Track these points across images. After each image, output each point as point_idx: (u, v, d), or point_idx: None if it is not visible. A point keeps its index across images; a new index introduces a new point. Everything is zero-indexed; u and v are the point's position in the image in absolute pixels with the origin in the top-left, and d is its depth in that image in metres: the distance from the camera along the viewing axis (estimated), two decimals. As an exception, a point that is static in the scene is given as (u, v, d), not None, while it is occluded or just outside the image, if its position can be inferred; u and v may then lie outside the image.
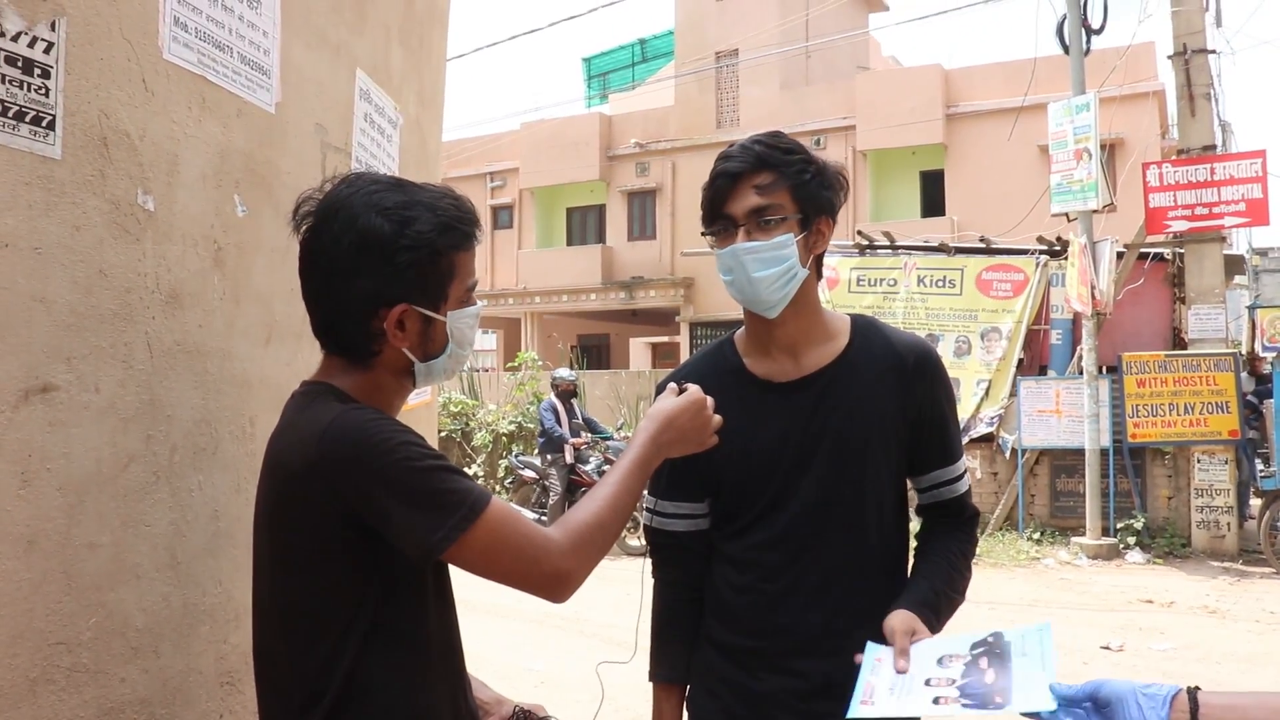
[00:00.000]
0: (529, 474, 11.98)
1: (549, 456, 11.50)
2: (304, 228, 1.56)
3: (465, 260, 1.61)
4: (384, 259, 1.51)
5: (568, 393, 11.94)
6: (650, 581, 2.14)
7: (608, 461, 10.74)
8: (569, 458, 11.41)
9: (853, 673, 1.77)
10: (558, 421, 11.55)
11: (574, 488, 11.29)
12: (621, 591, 2.17)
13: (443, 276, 1.57)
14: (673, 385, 1.81)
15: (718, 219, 1.89)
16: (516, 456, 12.80)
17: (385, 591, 1.51)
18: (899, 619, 1.76)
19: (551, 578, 1.49)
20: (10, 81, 1.49)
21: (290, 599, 1.52)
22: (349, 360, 1.59)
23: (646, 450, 1.70)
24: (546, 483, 11.56)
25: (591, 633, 7.34)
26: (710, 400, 1.78)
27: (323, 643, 1.49)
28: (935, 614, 1.85)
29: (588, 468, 11.28)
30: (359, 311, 1.53)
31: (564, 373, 12.23)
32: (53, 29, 1.56)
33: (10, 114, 1.49)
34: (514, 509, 1.53)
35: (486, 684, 1.86)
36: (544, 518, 10.64)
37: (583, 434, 11.76)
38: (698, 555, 2.07)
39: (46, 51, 1.55)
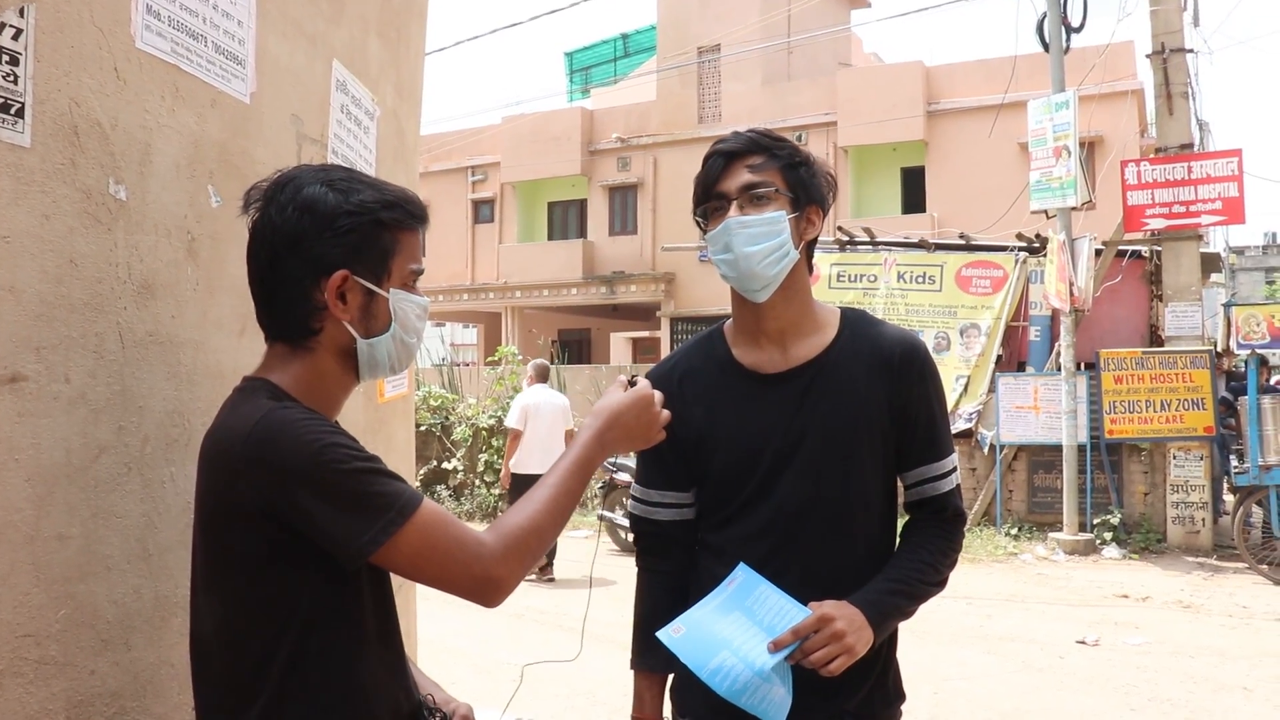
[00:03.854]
0: (624, 476, 10.05)
1: None
2: (253, 207, 1.57)
3: (409, 240, 1.61)
4: (326, 223, 1.52)
5: None
6: (601, 565, 2.14)
7: None
8: None
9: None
10: None
11: None
12: (601, 585, 2.17)
13: (385, 249, 1.57)
14: (621, 378, 1.81)
15: (711, 197, 1.91)
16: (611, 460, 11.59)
17: (319, 587, 1.48)
18: (835, 609, 1.78)
19: (482, 582, 1.47)
20: (-22, 68, 1.48)
21: (226, 598, 1.50)
22: (290, 346, 1.57)
23: (590, 449, 1.67)
24: None
25: (569, 626, 7.34)
26: (659, 395, 1.78)
27: (259, 641, 1.47)
28: (886, 615, 1.85)
29: None
30: (300, 281, 1.53)
31: None
32: (22, 15, 1.54)
33: (-22, 101, 1.47)
34: (446, 512, 1.50)
35: (439, 685, 1.85)
36: None
37: None
38: (682, 545, 2.07)
39: (15, 38, 1.53)
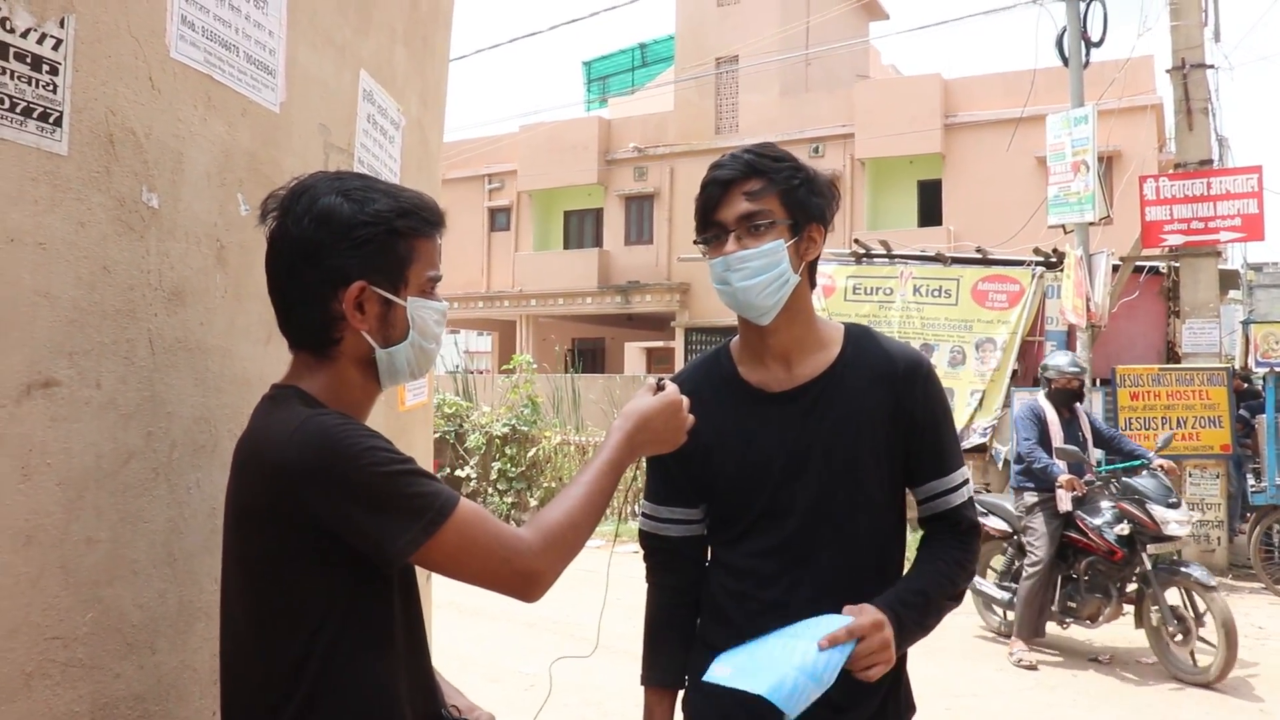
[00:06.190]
0: (996, 524, 7.29)
1: (1029, 498, 6.89)
2: (271, 217, 1.58)
3: (425, 247, 1.62)
4: (342, 234, 1.53)
5: (1068, 393, 7.07)
6: (614, 575, 2.16)
7: (1132, 505, 6.44)
8: (1064, 503, 6.66)
9: (848, 684, 1.78)
10: (1043, 440, 6.90)
11: (1067, 553, 6.80)
12: (613, 595, 2.18)
13: (401, 258, 1.58)
14: (650, 382, 1.82)
15: (709, 226, 1.91)
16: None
17: (352, 592, 1.50)
18: (868, 613, 1.78)
19: (523, 577, 1.49)
20: (19, 78, 1.50)
21: (259, 602, 1.52)
22: (313, 355, 1.59)
23: (621, 451, 1.70)
24: (1025, 540, 6.90)
25: (582, 636, 7.34)
26: (685, 400, 1.80)
27: (291, 645, 1.49)
28: (904, 629, 1.84)
29: (1096, 522, 6.59)
30: (318, 292, 1.54)
31: (1062, 360, 7.20)
32: (62, 26, 1.57)
33: (18, 110, 1.50)
34: (483, 510, 1.52)
35: (461, 691, 1.86)
36: (1012, 594, 7.09)
37: (1090, 459, 7.00)
38: (692, 560, 2.09)
39: (55, 48, 1.56)
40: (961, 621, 7.81)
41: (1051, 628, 7.00)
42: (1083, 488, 6.63)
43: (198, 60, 1.89)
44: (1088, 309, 10.57)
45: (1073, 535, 6.71)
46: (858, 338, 2.01)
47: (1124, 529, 6.43)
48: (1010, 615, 7.16)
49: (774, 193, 1.87)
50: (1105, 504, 6.62)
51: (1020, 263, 12.44)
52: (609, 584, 2.11)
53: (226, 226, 2.01)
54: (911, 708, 2.03)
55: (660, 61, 31.93)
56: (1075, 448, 6.65)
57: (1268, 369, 10.01)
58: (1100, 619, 6.74)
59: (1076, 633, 7.27)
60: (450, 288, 26.24)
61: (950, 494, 1.99)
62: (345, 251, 1.53)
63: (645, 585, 2.13)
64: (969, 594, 7.41)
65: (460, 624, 7.15)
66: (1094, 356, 10.92)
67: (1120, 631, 7.60)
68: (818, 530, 1.91)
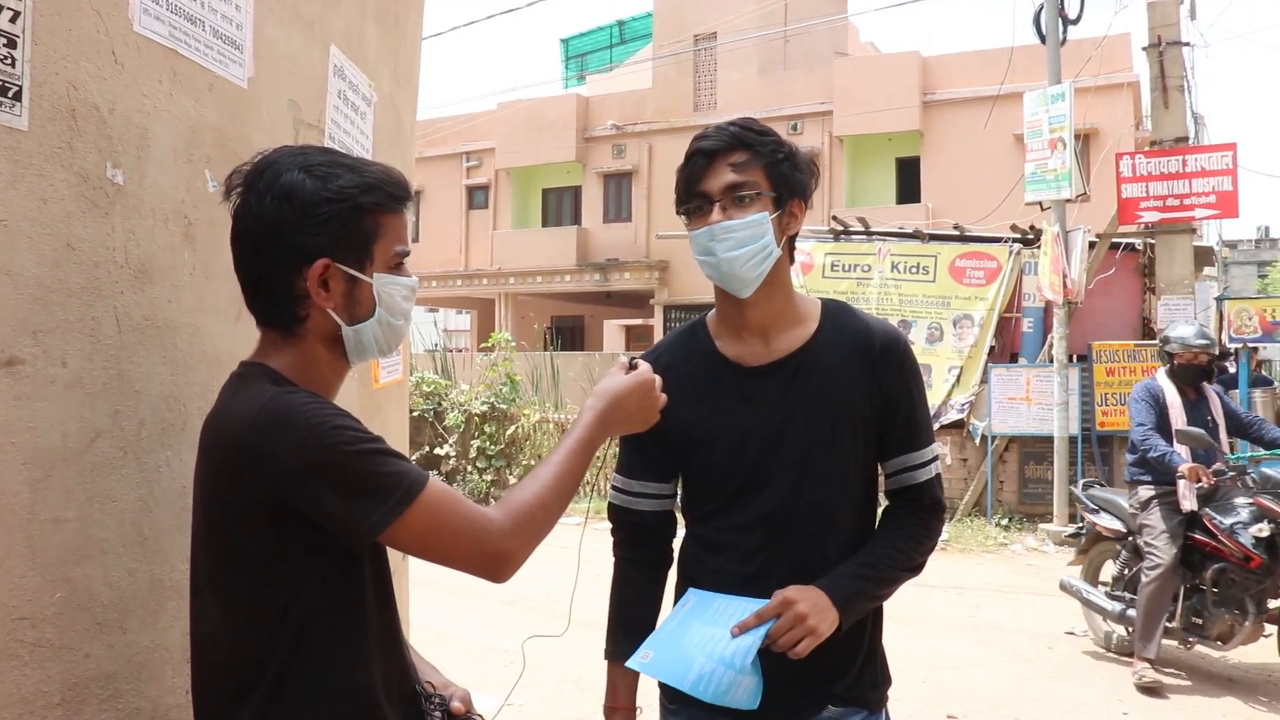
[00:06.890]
0: (1109, 522, 6.26)
1: (1145, 492, 5.89)
2: (235, 193, 1.56)
3: (392, 223, 1.60)
4: (305, 212, 1.50)
5: (1194, 370, 5.93)
6: (592, 552, 2.18)
7: (1273, 501, 5.35)
8: (1187, 500, 5.61)
9: (821, 658, 1.80)
10: (1162, 425, 5.82)
11: (1192, 558, 5.72)
12: (591, 573, 2.19)
13: (366, 234, 1.56)
14: (622, 360, 1.82)
15: (693, 196, 1.91)
16: (1085, 486, 6.75)
17: (323, 573, 1.49)
18: (796, 592, 1.81)
19: (492, 557, 1.48)
20: (-23, 51, 1.47)
21: (228, 583, 1.50)
22: (280, 332, 1.57)
23: (593, 430, 1.70)
24: (1143, 541, 5.85)
25: (560, 612, 7.35)
26: (658, 379, 1.80)
27: (261, 625, 1.48)
28: (851, 597, 1.86)
29: (1228, 522, 5.47)
30: (282, 270, 1.52)
31: (1187, 332, 5.99)
32: (20, -2, 1.54)
33: (-24, 84, 1.47)
34: (453, 490, 1.50)
35: (436, 668, 1.86)
36: (1130, 607, 5.98)
37: (1224, 445, 5.85)
38: (661, 535, 2.11)
39: (13, 21, 1.53)
40: (937, 595, 7.88)
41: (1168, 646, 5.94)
42: (1210, 478, 5.49)
43: (162, 35, 1.86)
44: (1064, 285, 10.62)
45: (1199, 537, 5.60)
46: (835, 313, 2.02)
47: (1263, 529, 5.31)
48: (1122, 630, 6.21)
49: (759, 165, 1.88)
50: (1240, 500, 5.48)
51: (998, 240, 12.49)
52: (580, 561, 2.11)
53: (194, 203, 1.98)
54: (887, 678, 2.05)
55: (638, 39, 31.80)
56: (1201, 430, 5.53)
57: (1241, 344, 10.10)
58: (1233, 640, 5.55)
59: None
60: (428, 266, 26.15)
61: (918, 469, 2.01)
62: (309, 228, 1.50)
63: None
64: (1078, 603, 6.58)
65: (438, 601, 7.15)
66: (1070, 333, 10.99)
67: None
68: (797, 503, 1.92)
